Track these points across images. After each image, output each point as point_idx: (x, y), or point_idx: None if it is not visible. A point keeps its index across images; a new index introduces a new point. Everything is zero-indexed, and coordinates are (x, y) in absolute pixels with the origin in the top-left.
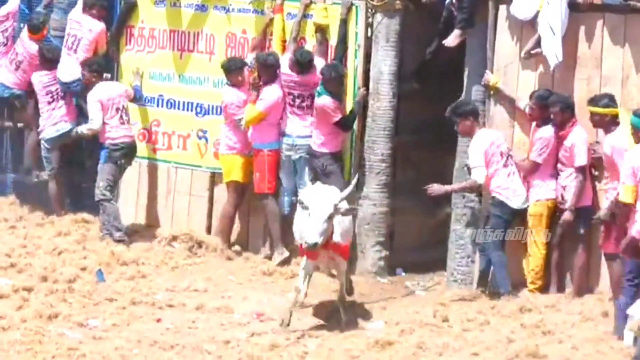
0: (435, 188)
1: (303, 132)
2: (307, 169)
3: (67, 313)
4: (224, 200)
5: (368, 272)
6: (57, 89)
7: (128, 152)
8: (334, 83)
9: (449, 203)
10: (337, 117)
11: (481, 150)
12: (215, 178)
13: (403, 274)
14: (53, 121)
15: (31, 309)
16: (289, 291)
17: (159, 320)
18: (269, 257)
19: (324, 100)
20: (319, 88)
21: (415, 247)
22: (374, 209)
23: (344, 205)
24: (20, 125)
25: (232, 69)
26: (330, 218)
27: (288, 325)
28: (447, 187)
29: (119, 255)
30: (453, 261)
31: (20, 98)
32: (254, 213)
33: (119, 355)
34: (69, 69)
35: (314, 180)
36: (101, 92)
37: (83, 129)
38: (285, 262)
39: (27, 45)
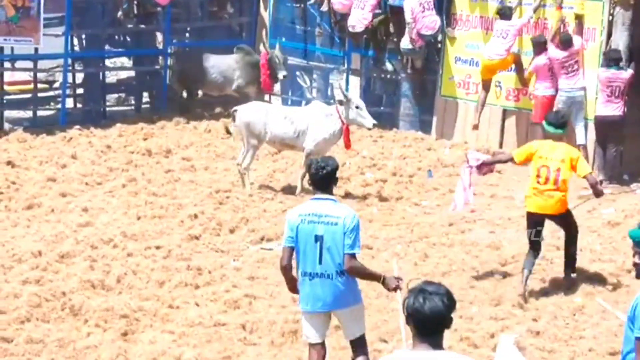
0: None
1: (576, 86)
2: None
3: (408, 196)
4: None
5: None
6: None
7: None
8: None
9: None
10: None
11: None
12: (505, 113)
13: (626, 177)
14: None
15: (386, 192)
16: None
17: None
18: None
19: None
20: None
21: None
22: None
23: None
24: None
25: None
26: None
27: None
28: None
29: (441, 160)
30: None
31: None
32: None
33: (440, 225)
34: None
35: None
36: None
37: None
38: None
39: None
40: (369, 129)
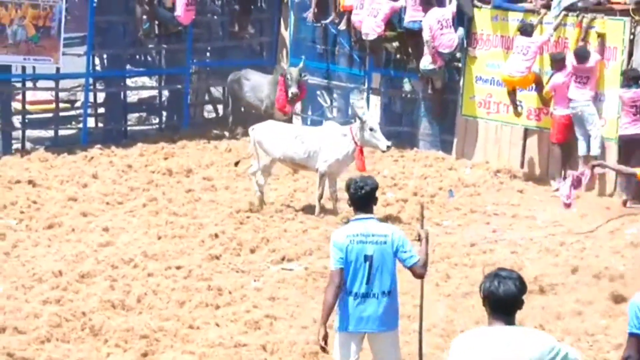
0: None
1: (582, 98)
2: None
3: (429, 216)
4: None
5: None
6: None
7: None
8: None
9: None
10: None
11: None
12: (527, 132)
13: None
14: None
15: (406, 213)
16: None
17: (487, 223)
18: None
19: None
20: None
21: None
22: None
23: None
24: None
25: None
26: None
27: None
28: None
29: (462, 179)
30: None
31: None
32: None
33: (461, 245)
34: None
35: None
36: None
37: None
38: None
39: None
40: (383, 152)
